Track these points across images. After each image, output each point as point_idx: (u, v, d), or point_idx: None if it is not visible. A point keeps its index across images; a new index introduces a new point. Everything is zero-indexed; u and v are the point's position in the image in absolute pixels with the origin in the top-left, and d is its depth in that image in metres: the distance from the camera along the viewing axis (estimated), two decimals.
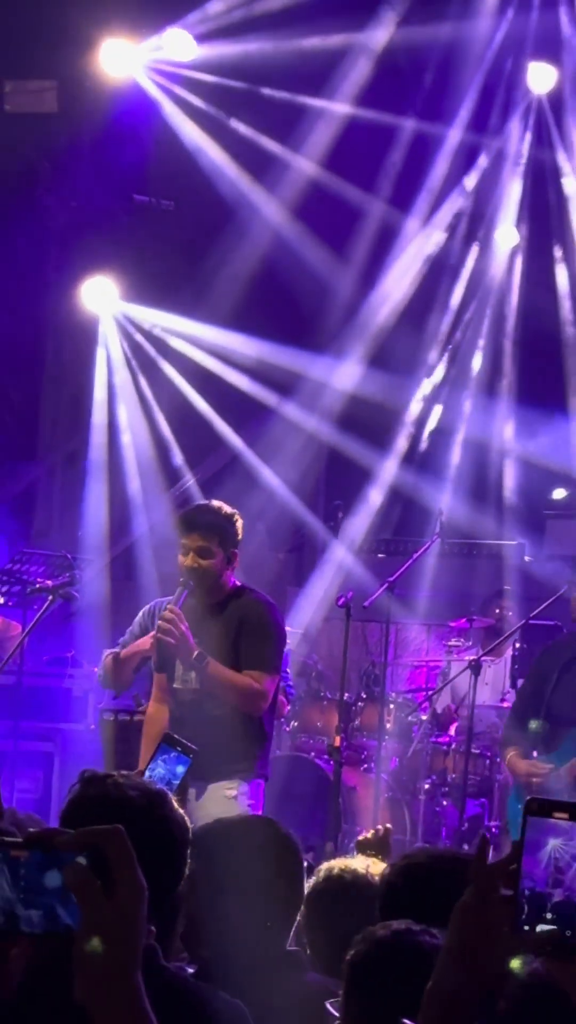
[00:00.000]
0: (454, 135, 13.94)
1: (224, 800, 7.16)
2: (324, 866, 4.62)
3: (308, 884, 4.53)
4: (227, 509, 7.51)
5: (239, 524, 7.47)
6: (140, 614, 8.70)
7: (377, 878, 4.51)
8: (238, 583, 7.52)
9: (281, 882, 4.24)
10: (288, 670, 10.30)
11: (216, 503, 7.61)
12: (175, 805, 3.45)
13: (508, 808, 8.78)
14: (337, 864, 4.61)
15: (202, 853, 4.27)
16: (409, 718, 11.78)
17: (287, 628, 9.12)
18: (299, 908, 4.28)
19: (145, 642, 7.78)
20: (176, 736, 5.15)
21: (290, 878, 4.29)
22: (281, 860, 4.29)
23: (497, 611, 12.22)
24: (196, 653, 7.13)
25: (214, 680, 7.20)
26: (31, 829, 1.84)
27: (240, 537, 7.46)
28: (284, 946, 4.22)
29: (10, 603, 11.21)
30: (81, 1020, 1.82)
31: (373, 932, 3.09)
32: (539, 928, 1.99)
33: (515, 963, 2.12)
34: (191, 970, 3.99)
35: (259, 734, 7.36)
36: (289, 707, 10.48)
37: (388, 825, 5.56)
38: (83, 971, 1.76)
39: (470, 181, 14.27)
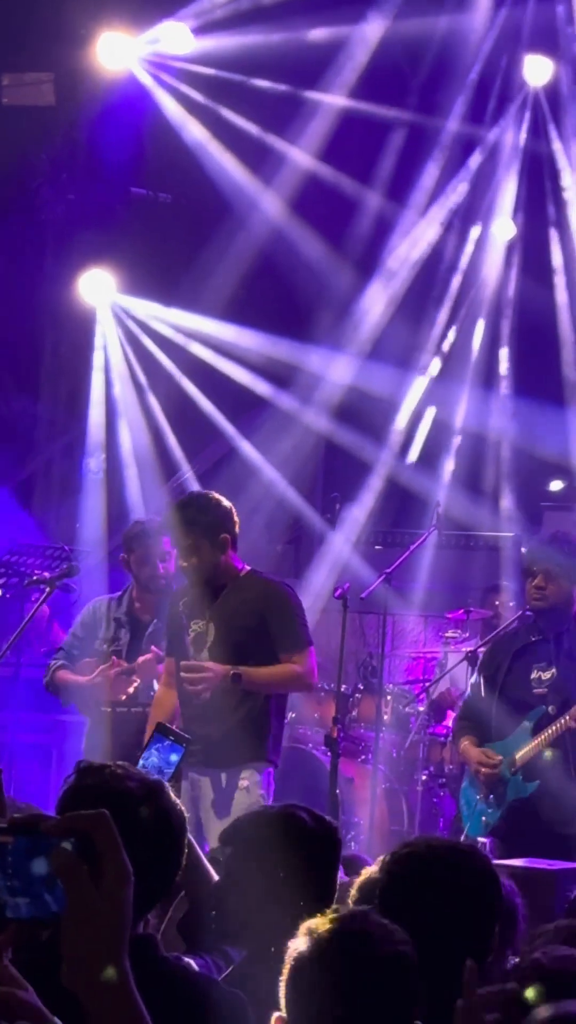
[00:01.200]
0: (450, 128, 13.92)
1: (237, 789, 7.22)
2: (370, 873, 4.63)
3: (365, 874, 4.54)
4: (202, 499, 7.56)
5: (221, 508, 7.50)
6: (82, 614, 8.77)
7: (375, 866, 4.53)
8: (247, 567, 7.56)
9: (315, 876, 4.23)
10: None
11: (190, 496, 7.70)
12: (172, 795, 3.44)
13: (461, 795, 8.78)
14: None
15: (239, 844, 4.27)
16: (406, 709, 11.79)
17: None
18: (329, 900, 4.27)
19: (85, 679, 8.09)
20: (169, 725, 5.15)
21: (314, 866, 4.28)
22: (310, 852, 4.27)
23: (496, 604, 12.23)
24: (231, 674, 7.24)
25: (256, 685, 7.35)
26: (15, 816, 1.83)
27: (227, 518, 7.48)
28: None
29: (7, 595, 11.21)
30: (69, 1005, 1.81)
31: None
32: None
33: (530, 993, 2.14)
34: (196, 963, 3.97)
35: (268, 717, 7.43)
36: None
37: None
38: (70, 956, 1.75)
39: (466, 174, 14.24)
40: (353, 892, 4.52)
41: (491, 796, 8.28)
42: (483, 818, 8.43)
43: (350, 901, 4.51)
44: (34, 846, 1.77)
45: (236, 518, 7.60)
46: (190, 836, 3.64)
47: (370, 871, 4.55)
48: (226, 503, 7.58)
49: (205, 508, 7.50)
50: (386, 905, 3.64)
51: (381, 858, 4.63)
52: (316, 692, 11.62)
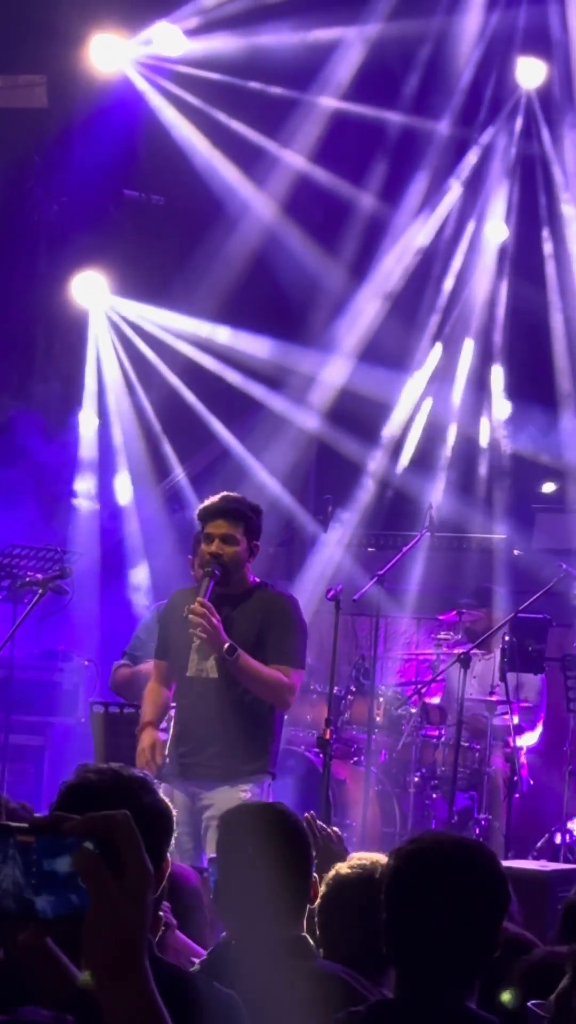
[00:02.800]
0: (443, 130, 13.94)
1: (239, 802, 7.19)
2: (355, 857, 4.67)
3: (329, 876, 4.58)
4: (252, 502, 7.55)
5: (260, 517, 7.49)
6: (147, 617, 8.75)
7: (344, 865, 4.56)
8: (257, 579, 7.54)
9: (296, 868, 4.28)
10: None
11: (243, 497, 7.65)
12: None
13: None
14: (359, 856, 4.67)
15: (227, 837, 4.33)
16: (399, 711, 11.80)
17: None
18: (308, 895, 4.32)
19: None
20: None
21: (303, 865, 4.33)
22: (297, 847, 4.33)
23: (488, 605, 12.24)
24: (228, 645, 7.15)
25: (244, 672, 7.24)
26: (37, 816, 1.84)
27: (261, 531, 7.48)
28: (297, 931, 4.25)
29: (0, 596, 11.22)
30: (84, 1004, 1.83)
31: None
32: None
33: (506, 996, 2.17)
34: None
35: (270, 727, 7.38)
36: None
37: (335, 830, 5.59)
38: (91, 955, 1.76)
39: (459, 176, 14.27)
40: (322, 888, 4.55)
41: None
42: None
43: (319, 897, 4.55)
44: (56, 846, 1.78)
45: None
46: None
47: (339, 867, 4.60)
48: (262, 519, 7.58)
49: (253, 508, 7.49)
50: (393, 901, 3.66)
51: (352, 856, 4.68)
52: (309, 695, 11.65)
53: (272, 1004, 3.75)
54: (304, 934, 4.29)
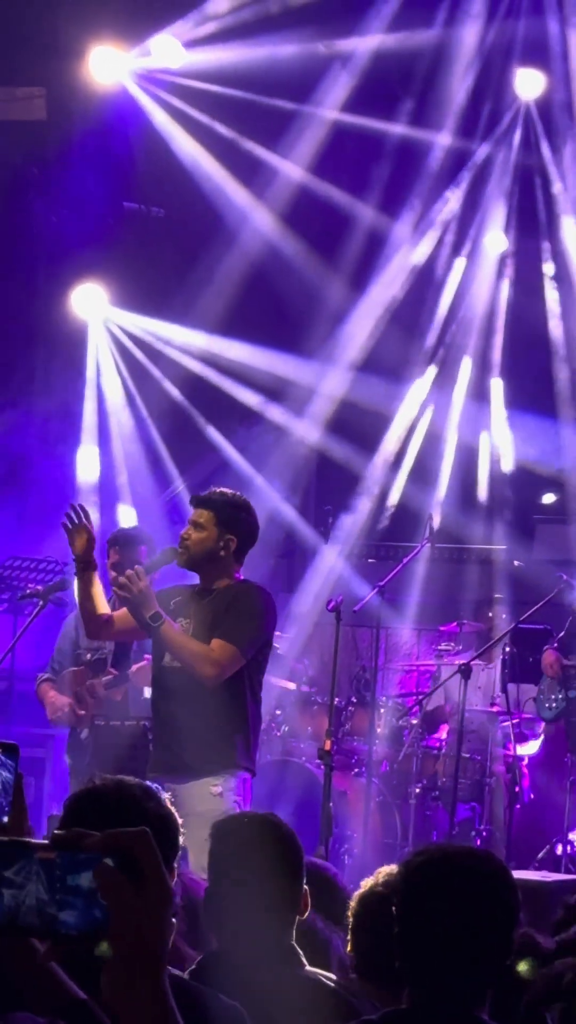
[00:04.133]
0: (442, 141, 13.95)
1: (210, 797, 7.14)
2: (384, 870, 4.65)
3: (365, 887, 4.58)
4: (238, 497, 7.55)
5: (245, 513, 7.47)
6: (64, 626, 8.88)
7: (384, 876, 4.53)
8: (242, 578, 7.53)
9: (286, 878, 4.29)
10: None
11: (232, 491, 7.66)
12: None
13: None
14: (373, 880, 4.66)
15: (218, 846, 4.33)
16: (400, 722, 11.80)
17: (277, 633, 9.14)
18: (298, 904, 4.32)
19: (58, 699, 8.41)
20: None
21: (295, 875, 4.33)
22: (288, 857, 4.33)
23: (489, 616, 12.25)
24: (152, 612, 7.17)
25: (166, 641, 7.26)
26: (56, 831, 1.84)
27: (244, 526, 7.44)
28: (287, 940, 4.26)
29: (1, 608, 11.23)
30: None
31: None
32: None
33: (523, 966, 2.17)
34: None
35: (240, 720, 7.31)
36: None
37: None
38: (112, 971, 1.77)
39: (458, 187, 14.29)
40: (353, 905, 4.55)
41: None
42: None
43: (350, 914, 4.55)
44: (78, 862, 1.79)
45: (254, 536, 7.55)
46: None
47: (369, 884, 4.59)
48: (254, 518, 7.55)
49: (231, 501, 7.49)
50: (405, 912, 3.65)
51: (379, 872, 4.67)
52: (309, 706, 11.66)
53: (260, 1012, 3.75)
54: (293, 943, 4.29)
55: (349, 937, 4.57)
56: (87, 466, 13.86)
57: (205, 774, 7.14)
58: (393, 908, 3.71)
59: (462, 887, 3.61)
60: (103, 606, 7.73)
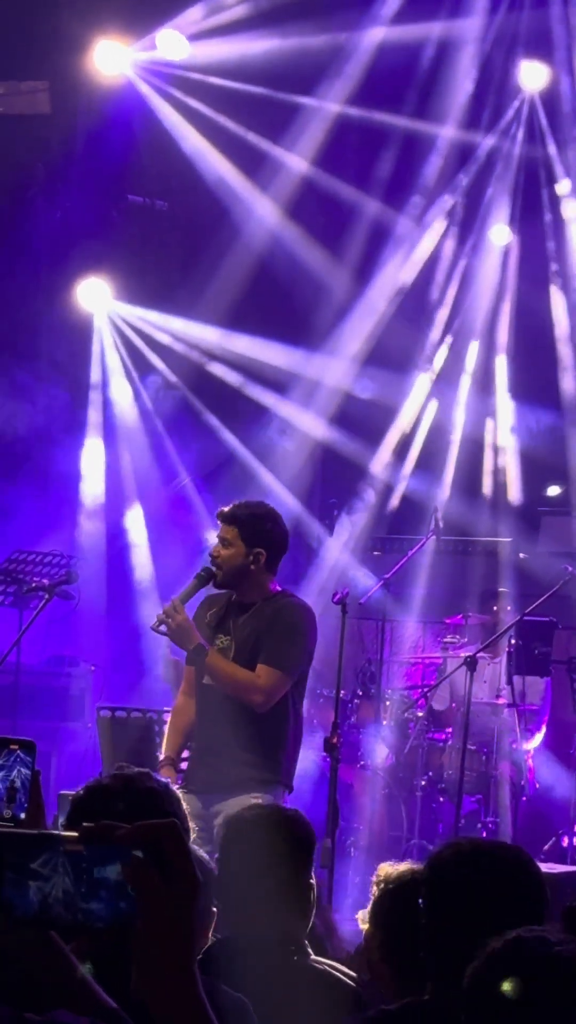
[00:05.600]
0: (447, 134, 13.96)
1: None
2: (402, 868, 4.65)
3: (374, 891, 4.57)
4: (262, 508, 7.50)
5: (270, 524, 7.41)
6: None
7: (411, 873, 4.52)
8: (279, 588, 7.49)
9: (293, 869, 4.30)
10: None
11: (258, 501, 7.62)
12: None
13: None
14: (399, 868, 4.65)
15: (228, 837, 4.34)
16: (405, 715, 11.82)
17: None
18: (305, 894, 4.33)
19: None
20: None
21: (303, 867, 4.35)
22: (296, 848, 4.34)
23: (494, 609, 12.26)
24: (195, 645, 7.15)
25: (212, 671, 7.22)
26: (84, 824, 1.84)
27: (271, 537, 7.39)
28: (292, 929, 4.26)
29: (7, 602, 11.24)
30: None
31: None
32: None
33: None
34: None
35: (282, 738, 7.27)
36: None
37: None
38: (142, 963, 1.78)
39: (463, 179, 14.30)
40: (375, 891, 4.54)
41: None
42: None
43: (369, 907, 4.54)
44: (106, 855, 1.79)
45: (284, 545, 7.48)
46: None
47: (387, 870, 4.57)
48: (281, 528, 7.48)
49: (258, 515, 7.44)
50: (432, 905, 3.67)
51: (385, 866, 4.66)
52: (316, 699, 11.67)
53: (264, 1001, 3.77)
54: (299, 933, 4.29)
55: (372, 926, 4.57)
56: (92, 459, 13.88)
57: (247, 789, 7.08)
58: (420, 900, 3.72)
59: (490, 880, 3.61)
60: (181, 743, 7.62)
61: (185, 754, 7.60)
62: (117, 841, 1.80)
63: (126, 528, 13.77)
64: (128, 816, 1.93)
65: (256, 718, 7.20)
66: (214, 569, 7.35)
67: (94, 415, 14.01)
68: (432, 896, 3.69)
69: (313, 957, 4.33)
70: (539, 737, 11.98)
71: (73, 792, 4.37)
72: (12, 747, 2.81)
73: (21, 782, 2.81)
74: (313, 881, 4.47)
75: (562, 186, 14.14)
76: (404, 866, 4.59)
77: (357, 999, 4.10)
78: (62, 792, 4.70)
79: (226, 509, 7.47)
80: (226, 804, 6.99)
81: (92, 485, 13.81)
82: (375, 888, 4.55)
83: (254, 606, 7.38)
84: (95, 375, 14.09)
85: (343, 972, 4.43)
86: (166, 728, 7.71)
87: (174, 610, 7.18)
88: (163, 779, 3.34)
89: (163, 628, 7.20)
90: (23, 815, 2.55)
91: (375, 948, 4.46)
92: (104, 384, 14.12)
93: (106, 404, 14.08)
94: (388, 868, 4.65)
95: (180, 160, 13.72)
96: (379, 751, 11.59)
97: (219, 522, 7.44)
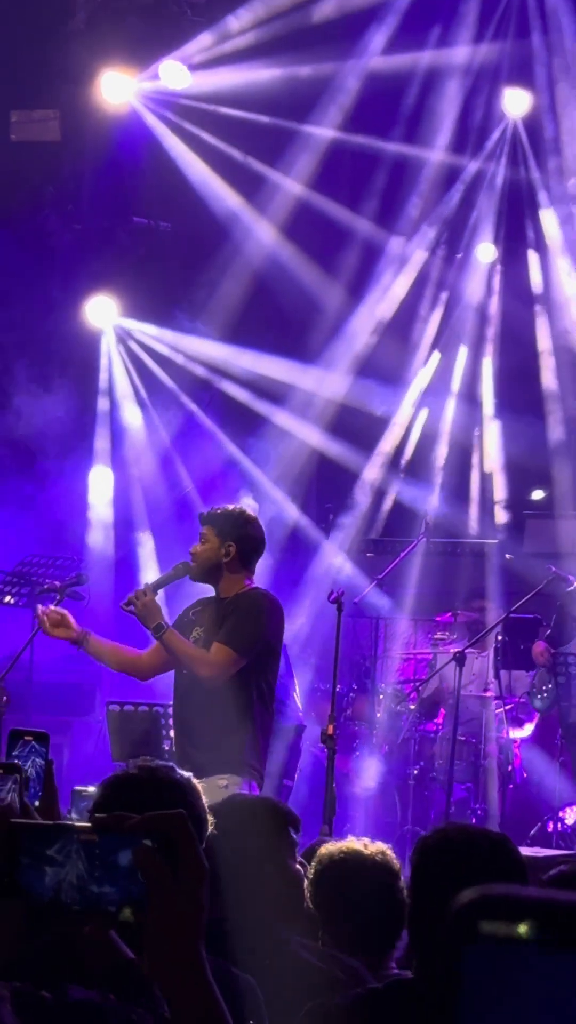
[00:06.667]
0: (435, 157, 13.98)
1: (217, 790, 7.11)
2: (323, 850, 4.66)
3: (311, 867, 4.58)
4: (237, 510, 7.61)
5: (242, 522, 7.50)
6: None
7: (379, 856, 4.53)
8: (253, 585, 7.56)
9: (276, 858, 4.30)
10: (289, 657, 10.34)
11: (235, 505, 7.75)
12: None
13: None
14: (334, 847, 4.66)
15: (228, 825, 4.35)
16: (398, 708, 11.83)
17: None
18: (292, 883, 4.33)
19: None
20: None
21: (285, 854, 4.35)
22: (276, 835, 4.35)
23: (482, 606, 12.28)
24: (156, 623, 7.28)
25: (168, 647, 7.32)
26: (97, 815, 1.86)
27: (243, 533, 7.47)
28: (272, 917, 4.26)
29: (21, 603, 11.26)
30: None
31: None
32: None
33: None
34: None
35: (247, 722, 7.28)
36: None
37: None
38: (151, 945, 1.79)
39: (450, 200, 14.32)
40: (312, 868, 4.56)
41: None
42: None
43: (308, 887, 4.55)
44: (118, 843, 1.81)
45: (257, 545, 7.54)
46: None
47: (328, 850, 4.59)
48: (253, 527, 7.54)
49: (228, 513, 7.54)
50: (418, 886, 3.68)
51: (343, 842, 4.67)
52: (313, 692, 11.69)
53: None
54: (280, 918, 4.29)
55: (313, 908, 4.58)
56: (100, 465, 13.91)
57: (213, 772, 7.11)
58: (409, 883, 3.73)
59: (476, 865, 3.61)
60: (122, 655, 7.77)
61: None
62: (128, 830, 1.80)
63: (132, 533, 13.79)
64: (151, 805, 1.94)
65: (220, 706, 7.22)
66: (190, 564, 7.49)
67: (102, 423, 14.03)
68: (419, 880, 3.70)
69: (296, 940, 4.33)
70: (529, 727, 12.00)
71: (86, 787, 4.39)
72: (27, 739, 2.84)
73: (36, 772, 2.83)
74: (300, 865, 4.47)
75: (543, 205, 14.16)
76: (337, 845, 4.60)
77: (334, 983, 4.09)
78: (76, 788, 4.72)
79: (204, 511, 7.63)
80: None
81: (101, 489, 13.83)
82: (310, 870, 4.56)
83: (227, 600, 7.44)
84: (103, 385, 14.11)
85: (335, 955, 4.43)
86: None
87: (143, 592, 7.36)
88: (185, 774, 3.35)
89: (132, 608, 7.36)
90: (37, 803, 2.57)
91: (323, 936, 4.47)
92: (111, 395, 14.14)
93: (113, 413, 14.09)
94: (322, 850, 4.66)
95: (182, 183, 13.74)
96: (368, 771, 11.59)
97: (200, 524, 7.60)
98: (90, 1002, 2.59)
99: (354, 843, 4.67)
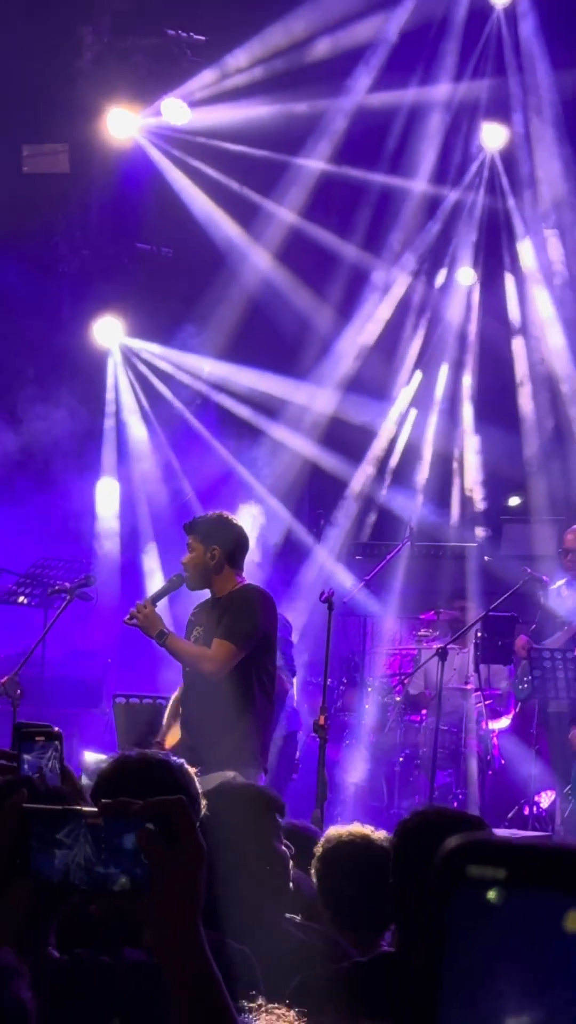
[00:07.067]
0: (418, 188, 14.02)
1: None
2: (332, 831, 4.67)
3: (317, 848, 4.59)
4: (215, 514, 7.62)
5: (224, 527, 7.53)
6: None
7: (384, 841, 4.55)
8: (245, 581, 7.59)
9: (260, 839, 4.34)
10: (292, 652, 10.38)
11: (214, 511, 7.74)
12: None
13: (573, 775, 9.27)
14: (343, 828, 4.68)
15: (220, 809, 4.39)
16: (385, 700, 11.86)
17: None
18: (274, 861, 4.36)
19: None
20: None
21: (269, 835, 4.39)
22: (260, 817, 4.39)
23: (462, 605, 12.31)
24: (158, 631, 7.29)
25: (173, 651, 7.38)
26: (103, 800, 1.88)
27: (225, 537, 7.49)
28: (256, 896, 4.29)
29: (33, 603, 11.29)
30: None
31: None
32: None
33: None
34: None
35: (249, 713, 7.30)
36: (291, 687, 10.52)
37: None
38: (152, 923, 1.80)
39: (433, 228, 14.36)
40: (319, 850, 4.58)
41: None
42: None
43: (316, 864, 4.58)
44: (122, 827, 1.82)
45: (240, 543, 7.55)
46: None
47: (337, 833, 4.61)
48: (234, 528, 7.56)
49: (207, 519, 7.58)
50: (400, 866, 3.71)
51: (347, 828, 4.70)
52: (306, 686, 11.73)
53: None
54: (264, 896, 4.31)
55: (316, 883, 4.60)
56: (107, 475, 13.93)
57: (221, 766, 7.08)
58: (390, 862, 3.75)
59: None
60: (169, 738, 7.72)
61: None
62: (132, 815, 1.82)
63: (138, 538, 13.81)
64: (149, 791, 1.98)
65: (222, 699, 7.24)
66: (183, 575, 7.50)
67: (108, 437, 14.05)
68: (400, 860, 3.73)
69: (287, 918, 4.35)
70: (507, 719, 12.02)
71: (97, 754, 4.43)
72: (38, 739, 2.86)
73: (51, 767, 2.85)
74: (285, 848, 4.49)
75: (519, 232, 14.21)
76: (344, 830, 4.62)
77: (313, 956, 4.11)
78: (85, 753, 4.74)
79: (187, 522, 7.64)
80: (203, 780, 6.96)
81: (108, 498, 13.85)
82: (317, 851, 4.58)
83: (222, 599, 7.46)
84: (110, 401, 14.14)
85: (322, 930, 4.45)
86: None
87: (143, 606, 7.38)
88: (177, 760, 3.39)
89: (134, 621, 7.38)
90: (58, 783, 2.61)
91: (322, 909, 4.50)
92: (117, 409, 14.16)
93: (119, 427, 14.12)
94: (331, 831, 4.68)
95: (183, 213, 13.77)
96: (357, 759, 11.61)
97: (185, 534, 7.61)
98: (144, 963, 2.65)
99: (361, 827, 4.71)
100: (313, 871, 4.56)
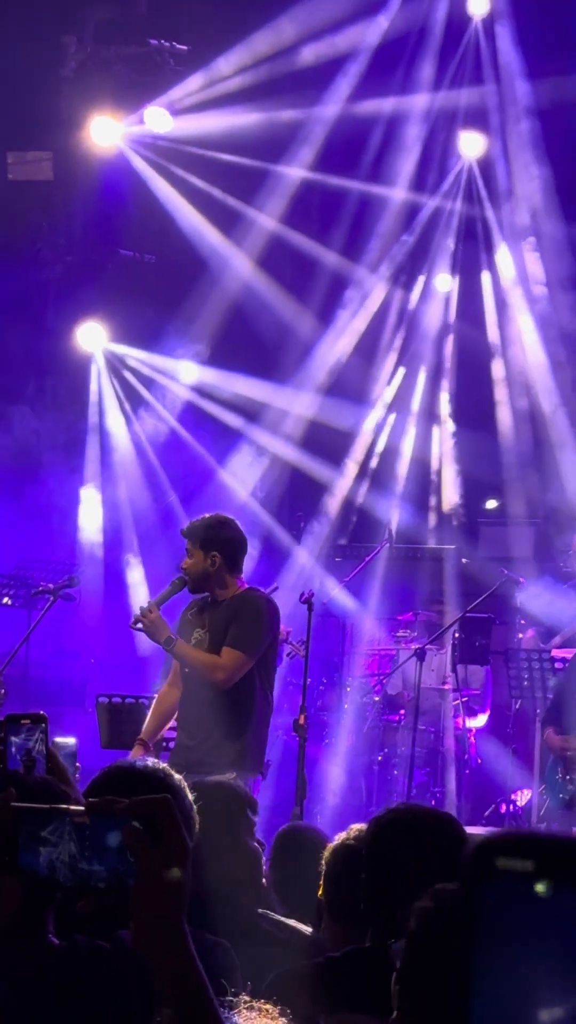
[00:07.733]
0: (397, 195, 14.05)
1: None
2: (356, 826, 4.67)
3: (338, 840, 4.59)
4: (213, 518, 7.58)
5: (222, 531, 7.49)
6: None
7: (353, 834, 4.56)
8: (247, 585, 7.58)
9: (229, 834, 4.36)
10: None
11: (211, 514, 7.70)
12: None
13: (547, 774, 9.25)
14: (353, 830, 4.67)
15: (205, 807, 4.40)
16: (364, 699, 11.86)
17: None
18: (245, 855, 4.37)
19: None
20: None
21: (240, 831, 4.40)
22: (230, 814, 4.40)
23: (440, 606, 12.33)
24: (165, 638, 7.25)
25: (181, 657, 7.33)
26: (89, 799, 1.89)
27: (224, 542, 7.47)
28: (225, 888, 4.30)
29: (17, 604, 11.28)
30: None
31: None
32: None
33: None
34: None
35: (250, 717, 7.29)
36: None
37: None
38: (139, 918, 1.81)
39: (411, 234, 14.39)
40: (327, 856, 4.58)
41: (569, 776, 8.65)
42: (561, 795, 8.83)
43: (323, 864, 4.59)
44: (108, 825, 1.82)
45: (238, 546, 7.53)
46: None
47: (341, 838, 4.62)
48: (231, 530, 7.53)
49: (208, 524, 7.50)
50: (372, 862, 3.71)
51: (351, 828, 4.71)
52: (286, 685, 11.72)
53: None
54: (231, 888, 4.32)
55: (322, 883, 4.61)
56: (90, 480, 13.93)
57: (216, 770, 7.05)
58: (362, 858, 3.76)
59: (423, 841, 3.63)
60: (164, 711, 7.65)
61: (172, 736, 7.67)
62: (118, 813, 1.82)
63: (121, 538, 13.81)
64: (134, 792, 1.98)
65: (226, 704, 7.23)
66: (185, 577, 7.48)
67: (92, 441, 14.05)
68: (372, 855, 3.73)
69: (263, 912, 4.36)
70: (483, 718, 12.04)
71: (65, 739, 4.42)
72: (23, 722, 2.88)
73: (37, 749, 2.87)
74: (257, 844, 4.49)
75: (495, 239, 14.25)
76: (350, 831, 4.62)
77: (309, 950, 4.11)
78: (55, 740, 4.68)
79: (185, 527, 7.61)
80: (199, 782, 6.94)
81: (91, 500, 13.85)
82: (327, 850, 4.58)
83: (225, 602, 7.45)
84: (93, 405, 14.14)
85: (295, 926, 4.45)
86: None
87: (148, 610, 7.30)
88: (161, 764, 3.39)
89: (139, 626, 7.33)
90: (43, 774, 2.61)
91: (324, 905, 4.50)
92: (101, 413, 14.16)
93: (102, 431, 14.12)
94: (355, 828, 4.68)
95: (166, 219, 13.78)
96: (336, 758, 11.61)
97: (184, 539, 7.58)
98: None
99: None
100: (322, 864, 4.54)
